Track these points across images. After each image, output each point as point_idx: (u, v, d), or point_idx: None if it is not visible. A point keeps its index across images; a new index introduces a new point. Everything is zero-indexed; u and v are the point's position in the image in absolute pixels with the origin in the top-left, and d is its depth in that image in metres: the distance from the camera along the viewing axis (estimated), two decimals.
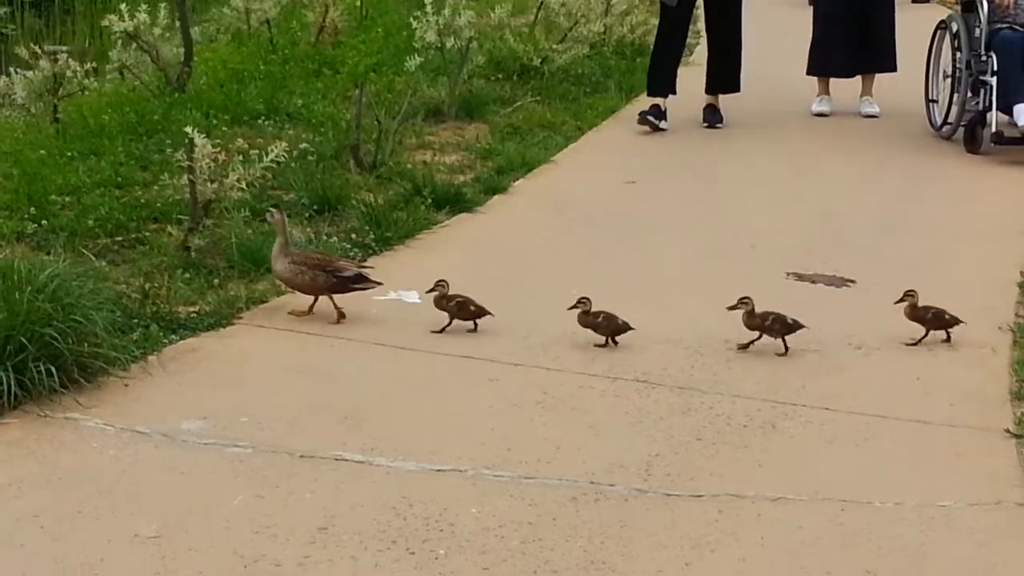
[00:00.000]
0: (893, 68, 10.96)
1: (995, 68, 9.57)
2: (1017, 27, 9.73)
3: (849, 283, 6.98)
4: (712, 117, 10.55)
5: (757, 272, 7.13)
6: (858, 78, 11.13)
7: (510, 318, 6.24)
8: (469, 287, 6.63)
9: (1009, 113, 9.59)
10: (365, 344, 5.93)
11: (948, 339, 6.13)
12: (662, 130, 10.21)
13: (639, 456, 4.93)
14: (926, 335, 6.12)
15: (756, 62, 12.68)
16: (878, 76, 11.08)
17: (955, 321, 6.11)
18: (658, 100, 10.31)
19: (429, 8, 10.54)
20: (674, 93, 10.41)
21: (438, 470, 4.77)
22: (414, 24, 10.70)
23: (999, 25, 9.74)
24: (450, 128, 9.98)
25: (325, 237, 7.11)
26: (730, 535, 4.41)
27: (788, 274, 7.09)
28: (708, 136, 10.34)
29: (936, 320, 6.11)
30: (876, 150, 9.93)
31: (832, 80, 11.17)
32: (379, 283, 6.25)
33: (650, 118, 10.18)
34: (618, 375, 5.67)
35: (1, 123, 9.98)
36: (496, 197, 8.37)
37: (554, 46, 11.78)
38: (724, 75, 10.54)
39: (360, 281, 6.18)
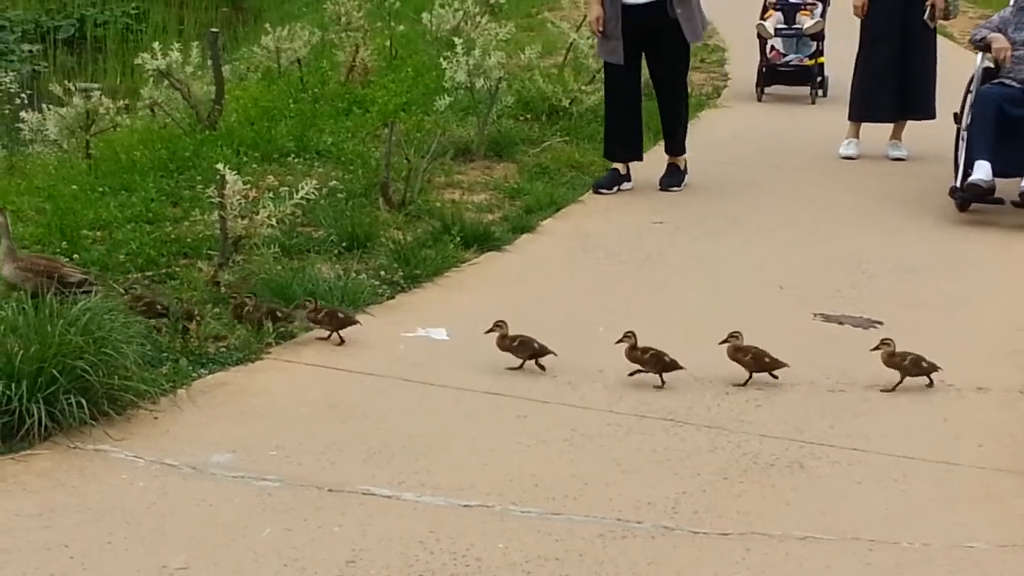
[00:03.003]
0: (932, 116, 10.87)
1: (968, 123, 9.31)
2: (1015, 83, 9.30)
3: (876, 324, 6.97)
4: (666, 180, 9.83)
5: (784, 312, 7.14)
6: None
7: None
8: None
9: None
10: (393, 380, 5.94)
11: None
12: (624, 190, 9.78)
13: (666, 494, 4.93)
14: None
15: (784, 100, 12.76)
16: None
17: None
18: (617, 165, 9.83)
19: (459, 49, 10.58)
20: (638, 159, 9.92)
21: (466, 505, 4.78)
22: (444, 64, 10.75)
23: (998, 79, 9.40)
24: (479, 167, 10.02)
25: (354, 274, 7.13)
26: (757, 574, 4.41)
27: (815, 315, 7.09)
28: (736, 178, 10.33)
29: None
30: (904, 193, 9.92)
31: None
32: (101, 287, 6.28)
33: (601, 190, 9.63)
34: (645, 413, 5.67)
35: (34, 159, 10.08)
36: (524, 236, 8.39)
37: (583, 87, 11.81)
38: (671, 134, 9.94)
39: (84, 286, 6.14)
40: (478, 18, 14.14)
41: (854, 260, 8.16)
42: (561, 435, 5.43)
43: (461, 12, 14.18)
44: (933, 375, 6.10)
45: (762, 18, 14.03)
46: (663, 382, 6.02)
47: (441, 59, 10.98)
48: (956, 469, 5.27)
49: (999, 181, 9.08)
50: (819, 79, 13.94)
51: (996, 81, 9.39)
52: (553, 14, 16.36)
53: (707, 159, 10.59)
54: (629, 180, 9.78)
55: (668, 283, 7.60)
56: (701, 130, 12.09)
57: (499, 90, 10.48)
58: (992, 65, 9.53)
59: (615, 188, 9.68)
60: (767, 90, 14.04)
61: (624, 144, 9.83)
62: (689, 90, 11.39)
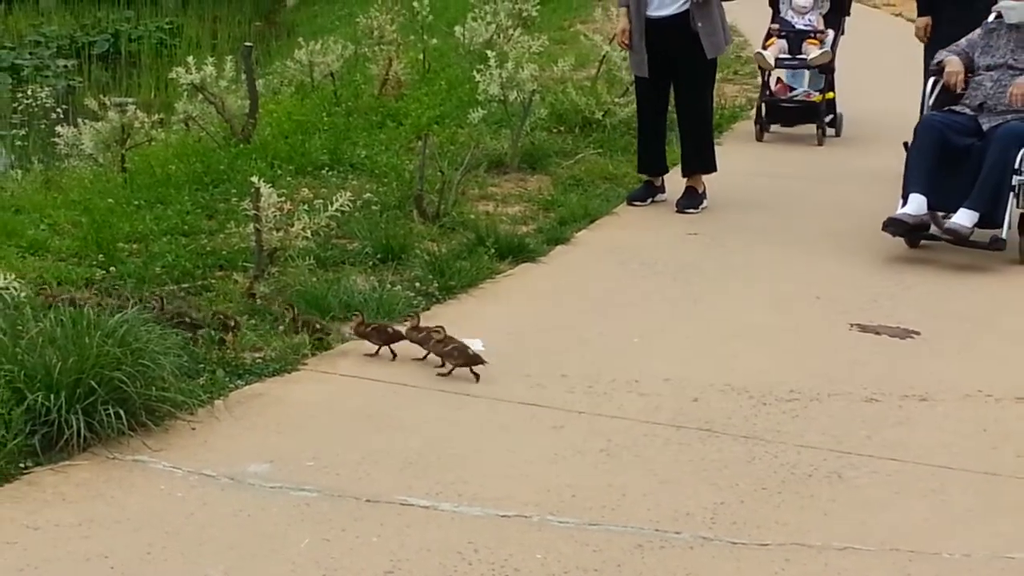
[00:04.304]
0: None
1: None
2: (968, 110, 8.67)
3: (914, 335, 6.95)
4: (682, 202, 9.59)
5: (821, 323, 7.12)
6: None
7: (573, 366, 6.25)
8: (532, 335, 6.70)
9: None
10: (430, 391, 5.94)
11: None
12: (659, 202, 9.75)
13: (704, 504, 4.92)
14: None
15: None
16: None
17: None
18: (650, 177, 9.78)
19: (492, 62, 10.60)
20: (664, 170, 9.83)
21: (503, 516, 4.77)
22: (477, 77, 10.76)
23: (948, 107, 8.77)
24: (513, 179, 10.02)
25: (389, 285, 7.14)
26: None
27: (852, 325, 7.06)
28: (770, 189, 10.32)
29: None
30: None
31: None
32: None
33: (635, 202, 9.64)
34: (682, 424, 5.66)
35: (70, 173, 10.13)
36: (559, 247, 8.39)
37: (616, 99, 11.81)
38: (691, 154, 9.68)
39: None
40: (511, 31, 14.15)
41: (891, 270, 8.13)
42: (598, 445, 5.42)
43: (494, 25, 14.20)
44: None
45: (763, 46, 12.46)
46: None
47: (474, 72, 10.99)
48: (995, 479, 5.24)
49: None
50: (830, 117, 12.44)
51: (947, 108, 8.76)
52: (586, 27, 16.36)
53: (741, 170, 10.57)
54: (663, 192, 9.76)
55: (703, 294, 7.58)
56: (734, 141, 12.11)
57: (532, 103, 10.48)
58: (948, 91, 8.85)
59: (649, 200, 9.67)
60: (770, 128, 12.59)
61: (654, 158, 9.78)
62: (719, 103, 11.43)
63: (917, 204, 8.33)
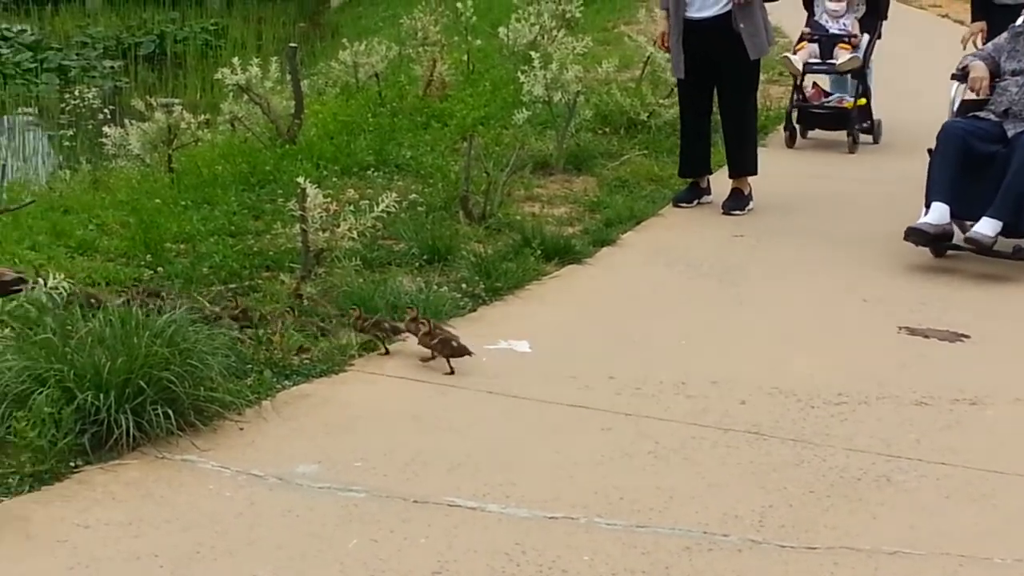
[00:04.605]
0: None
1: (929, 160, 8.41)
2: (993, 116, 8.46)
3: (963, 338, 6.91)
4: (728, 203, 9.56)
5: (869, 325, 7.09)
6: None
7: (621, 368, 6.24)
8: (579, 337, 6.69)
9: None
10: (477, 392, 5.94)
11: None
12: (704, 203, 9.72)
13: (752, 507, 4.89)
14: None
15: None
16: None
17: None
18: (696, 179, 9.76)
19: (536, 63, 10.59)
20: (709, 172, 9.83)
21: (551, 517, 4.76)
22: (521, 78, 10.76)
23: (973, 113, 8.58)
24: (558, 181, 10.02)
25: (435, 287, 7.14)
26: None
27: (900, 328, 7.02)
28: (818, 190, 10.28)
29: None
30: None
31: None
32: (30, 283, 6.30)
33: (681, 203, 9.62)
34: (729, 426, 5.64)
35: (117, 173, 10.18)
36: (605, 249, 8.38)
37: (660, 100, 11.79)
38: (735, 156, 9.64)
39: (20, 284, 6.17)
40: (554, 32, 14.15)
41: (939, 272, 8.09)
42: (645, 448, 5.40)
43: (538, 26, 14.20)
44: None
45: (794, 51, 12.23)
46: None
47: (519, 73, 10.99)
48: None
49: None
50: (865, 123, 12.14)
51: (971, 114, 8.56)
52: (630, 28, 16.34)
53: (786, 172, 10.53)
54: (709, 193, 9.73)
55: (750, 296, 7.55)
56: (779, 143, 12.05)
57: (577, 104, 10.48)
58: (975, 96, 8.66)
59: (695, 202, 9.64)
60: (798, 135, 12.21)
61: (694, 160, 9.75)
62: (764, 104, 11.37)
63: (939, 213, 8.15)
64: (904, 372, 6.36)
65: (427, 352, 6.22)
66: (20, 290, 6.20)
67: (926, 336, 6.93)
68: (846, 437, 5.57)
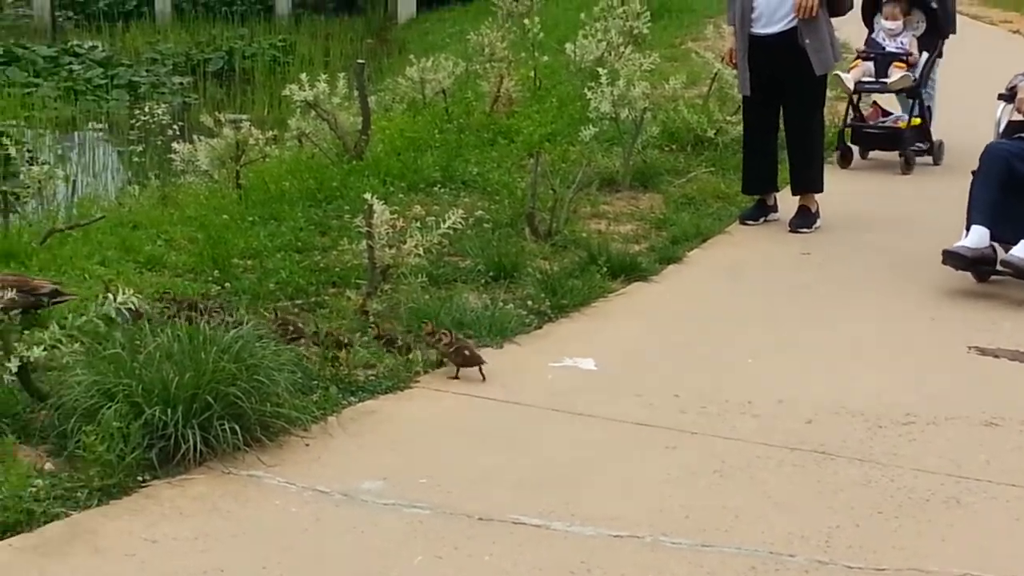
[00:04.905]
0: None
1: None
2: None
3: None
4: (795, 221, 9.49)
5: (937, 344, 7.03)
6: None
7: (686, 386, 6.22)
8: (645, 354, 6.68)
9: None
10: (542, 410, 5.93)
11: None
12: (771, 221, 9.67)
13: (819, 527, 4.86)
14: None
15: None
16: None
17: None
18: (762, 196, 9.71)
19: (603, 79, 10.59)
20: (775, 189, 9.76)
21: (616, 536, 4.75)
22: (588, 95, 10.76)
23: (1019, 134, 8.36)
24: (624, 198, 10.00)
25: (501, 303, 7.14)
26: None
27: (970, 348, 6.96)
28: (885, 208, 10.21)
29: None
30: None
31: None
32: (75, 295, 6.42)
33: (748, 221, 9.58)
34: (796, 445, 5.60)
35: (186, 189, 10.26)
36: (671, 266, 8.35)
37: (728, 118, 11.75)
38: (800, 172, 9.56)
39: (57, 296, 6.22)
40: (622, 49, 14.13)
41: (1009, 292, 8.00)
42: (711, 466, 5.38)
43: (605, 43, 14.18)
44: None
45: (849, 69, 11.94)
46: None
47: (585, 89, 10.99)
48: None
49: None
50: (921, 144, 11.87)
51: (1016, 135, 8.34)
52: (697, 44, 16.34)
53: (854, 189, 10.46)
54: (776, 211, 9.69)
55: (817, 315, 7.50)
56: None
57: (644, 120, 10.46)
58: (1021, 117, 8.45)
59: (761, 219, 9.60)
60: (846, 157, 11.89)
61: (759, 177, 9.71)
62: (831, 121, 11.29)
63: (978, 236, 7.95)
64: (973, 392, 6.30)
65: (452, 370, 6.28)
66: (59, 302, 6.28)
67: (996, 356, 6.86)
68: (914, 457, 5.52)
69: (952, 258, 7.97)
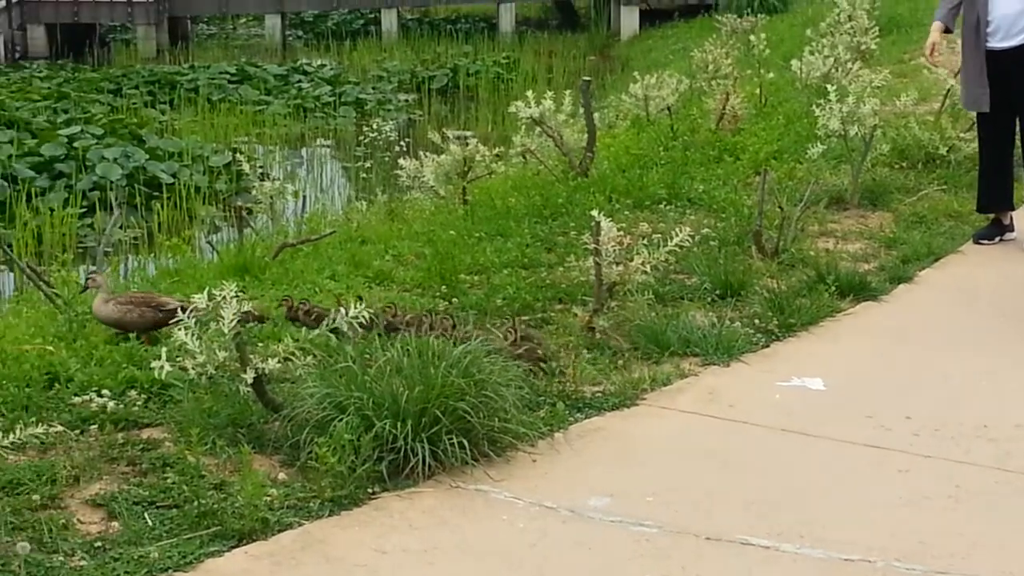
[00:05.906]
0: None
1: None
2: None
3: None
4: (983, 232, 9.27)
5: None
6: None
7: (919, 409, 6.08)
8: (875, 375, 6.55)
9: None
10: (770, 429, 5.86)
11: None
12: (1007, 240, 9.30)
13: None
14: None
15: None
16: None
17: None
18: (999, 215, 9.39)
19: (832, 96, 10.42)
20: (1011, 208, 9.39)
21: (847, 559, 4.66)
22: (816, 112, 10.60)
23: None
24: (853, 216, 9.83)
25: (728, 322, 7.07)
26: None
27: None
28: None
29: None
30: None
31: None
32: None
33: (982, 240, 9.25)
34: None
35: (412, 204, 10.39)
36: (902, 286, 8.17)
37: (961, 134, 11.46)
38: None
39: (184, 312, 6.19)
40: (849, 65, 13.91)
41: None
42: (945, 491, 5.24)
43: (832, 59, 13.97)
44: None
45: None
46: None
47: (813, 106, 10.83)
48: None
49: None
50: None
51: None
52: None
53: None
54: (1012, 230, 9.41)
55: None
56: None
57: (873, 138, 10.28)
58: None
59: (997, 239, 9.34)
60: None
61: (995, 195, 9.43)
62: None
63: None
64: None
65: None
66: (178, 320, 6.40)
67: None
68: None
69: None
